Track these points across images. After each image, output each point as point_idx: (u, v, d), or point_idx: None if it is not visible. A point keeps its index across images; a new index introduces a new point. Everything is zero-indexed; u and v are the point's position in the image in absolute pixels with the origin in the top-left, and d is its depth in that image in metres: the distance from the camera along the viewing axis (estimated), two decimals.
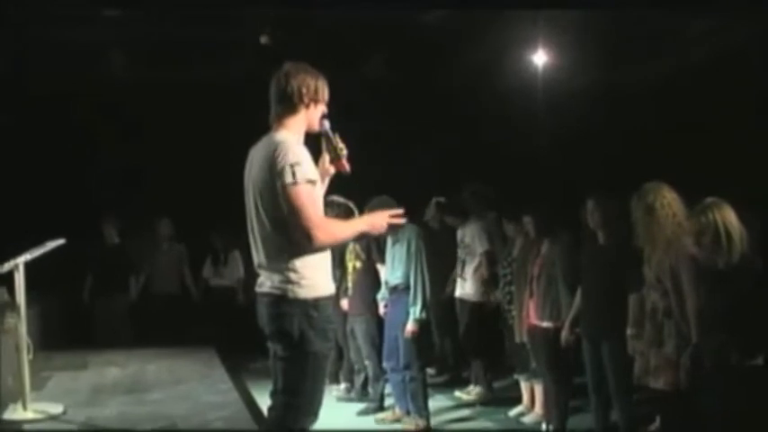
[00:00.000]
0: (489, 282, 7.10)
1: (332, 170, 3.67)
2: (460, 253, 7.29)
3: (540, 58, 8.35)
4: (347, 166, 3.62)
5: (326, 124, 3.56)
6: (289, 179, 3.24)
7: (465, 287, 7.26)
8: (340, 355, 7.42)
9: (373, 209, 6.21)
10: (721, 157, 7.02)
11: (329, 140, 3.58)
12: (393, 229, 6.14)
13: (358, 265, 6.96)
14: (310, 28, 7.79)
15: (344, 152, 3.61)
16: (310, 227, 3.26)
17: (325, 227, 3.33)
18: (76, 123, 9.42)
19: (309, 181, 3.29)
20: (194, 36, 8.10)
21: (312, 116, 3.50)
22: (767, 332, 3.98)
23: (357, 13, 7.33)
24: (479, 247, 7.14)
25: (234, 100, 8.72)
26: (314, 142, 3.57)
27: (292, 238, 3.30)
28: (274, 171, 3.27)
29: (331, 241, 3.39)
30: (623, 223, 4.82)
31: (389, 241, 6.38)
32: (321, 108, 3.53)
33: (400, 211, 3.69)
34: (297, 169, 3.25)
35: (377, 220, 3.59)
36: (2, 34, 7.06)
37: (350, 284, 6.96)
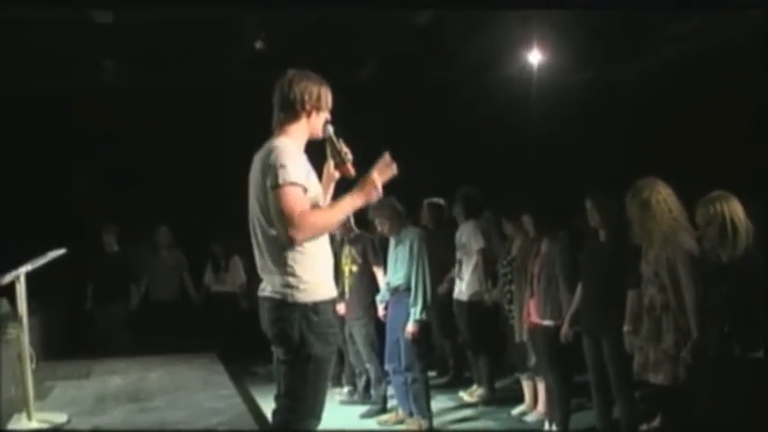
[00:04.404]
0: (486, 281, 7.11)
1: (337, 175, 3.66)
2: (458, 254, 7.30)
3: (535, 56, 8.38)
4: (352, 171, 3.60)
5: (330, 129, 3.55)
6: (273, 182, 3.26)
7: (462, 287, 7.28)
8: (341, 358, 7.43)
9: (377, 210, 6.27)
10: (715, 152, 7.05)
11: (333, 146, 3.58)
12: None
13: (354, 269, 6.96)
14: (304, 31, 7.80)
15: (349, 157, 3.60)
16: (287, 227, 3.24)
17: (303, 223, 3.24)
18: (75, 131, 9.43)
19: (292, 183, 3.27)
20: (192, 41, 8.12)
21: (315, 123, 3.50)
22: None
23: (350, 13, 7.36)
24: (474, 246, 7.15)
25: (232, 106, 8.74)
26: (320, 148, 3.58)
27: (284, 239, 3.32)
28: (266, 176, 3.29)
29: (313, 234, 3.31)
30: (622, 220, 4.84)
31: (392, 243, 6.40)
32: (324, 115, 3.53)
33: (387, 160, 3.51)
34: (280, 172, 3.25)
35: (367, 189, 3.42)
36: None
37: (346, 288, 6.97)
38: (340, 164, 3.60)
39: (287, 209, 3.25)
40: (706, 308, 4.18)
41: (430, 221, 7.85)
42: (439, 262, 7.25)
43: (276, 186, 3.25)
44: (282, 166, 3.27)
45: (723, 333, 4.07)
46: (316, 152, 3.50)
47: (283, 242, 3.31)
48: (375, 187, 3.43)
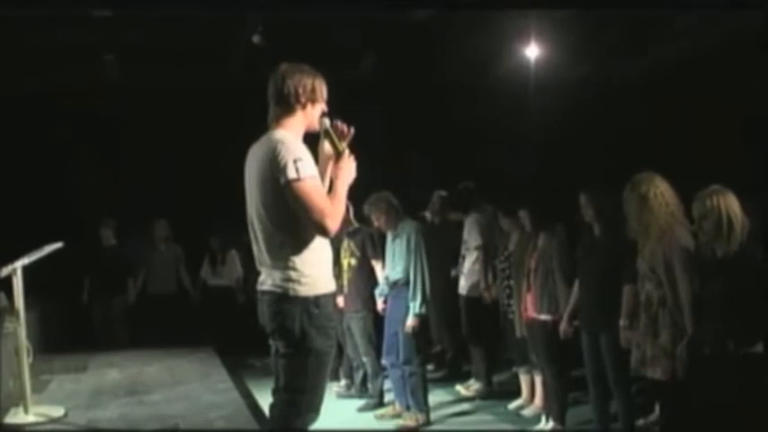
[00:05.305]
0: (485, 277, 7.11)
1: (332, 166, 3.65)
2: (462, 248, 7.32)
3: (533, 52, 8.37)
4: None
5: (326, 122, 3.54)
6: (293, 175, 3.25)
7: (462, 282, 7.29)
8: (340, 351, 7.43)
9: (372, 205, 6.28)
10: (714, 151, 7.05)
11: (330, 137, 3.57)
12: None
13: (353, 262, 6.97)
14: (302, 27, 7.79)
15: (345, 148, 3.59)
16: (321, 218, 3.27)
17: (332, 212, 3.32)
18: (73, 126, 9.43)
19: (312, 176, 3.30)
20: (188, 37, 8.11)
21: (311, 116, 3.50)
22: (764, 320, 4.01)
23: (349, 12, 7.35)
24: (473, 243, 7.17)
25: (229, 100, 8.73)
26: (312, 139, 3.58)
27: (300, 232, 3.33)
28: (276, 168, 3.27)
29: (339, 220, 3.39)
30: (617, 215, 4.84)
31: (389, 237, 6.42)
32: (320, 107, 3.52)
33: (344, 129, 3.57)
34: (300, 165, 3.26)
35: (346, 170, 3.48)
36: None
37: (345, 282, 6.98)
38: (337, 155, 3.57)
39: (317, 201, 3.28)
40: (702, 303, 4.19)
41: (438, 215, 7.84)
42: (439, 256, 7.25)
43: (297, 180, 3.25)
44: (300, 160, 3.28)
45: (719, 328, 4.08)
46: (308, 144, 3.48)
47: (314, 231, 3.32)
48: (347, 159, 3.48)
